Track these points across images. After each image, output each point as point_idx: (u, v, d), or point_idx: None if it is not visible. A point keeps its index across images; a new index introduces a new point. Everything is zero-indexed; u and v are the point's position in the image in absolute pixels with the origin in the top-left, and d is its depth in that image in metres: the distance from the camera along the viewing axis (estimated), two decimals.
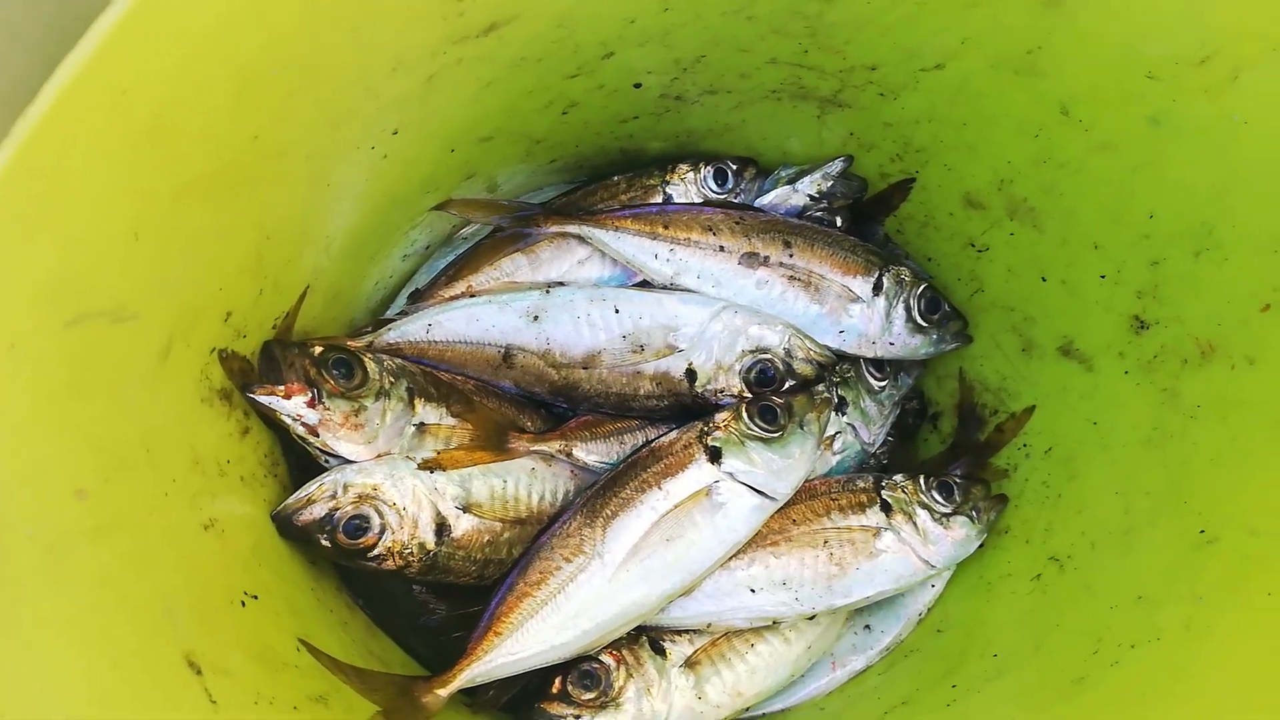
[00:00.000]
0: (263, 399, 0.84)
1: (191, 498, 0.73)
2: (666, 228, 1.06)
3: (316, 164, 0.78)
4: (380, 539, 0.87)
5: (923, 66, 0.95)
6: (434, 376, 0.99)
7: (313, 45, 0.64)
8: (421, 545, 0.90)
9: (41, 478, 0.57)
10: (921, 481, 1.06)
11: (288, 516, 0.86)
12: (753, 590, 1.01)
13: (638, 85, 0.97)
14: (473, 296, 1.05)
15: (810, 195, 1.13)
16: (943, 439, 1.23)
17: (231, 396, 0.82)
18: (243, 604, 0.74)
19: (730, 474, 0.98)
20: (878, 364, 1.16)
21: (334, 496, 0.86)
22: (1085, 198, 0.97)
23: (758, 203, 1.13)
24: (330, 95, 0.70)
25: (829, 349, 1.10)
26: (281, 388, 0.84)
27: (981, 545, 1.07)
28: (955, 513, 1.05)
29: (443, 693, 0.84)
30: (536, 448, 0.99)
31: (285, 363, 0.85)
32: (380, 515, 0.87)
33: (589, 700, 0.94)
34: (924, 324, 1.12)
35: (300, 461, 0.93)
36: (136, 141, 0.58)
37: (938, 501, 1.05)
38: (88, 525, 0.60)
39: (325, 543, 0.86)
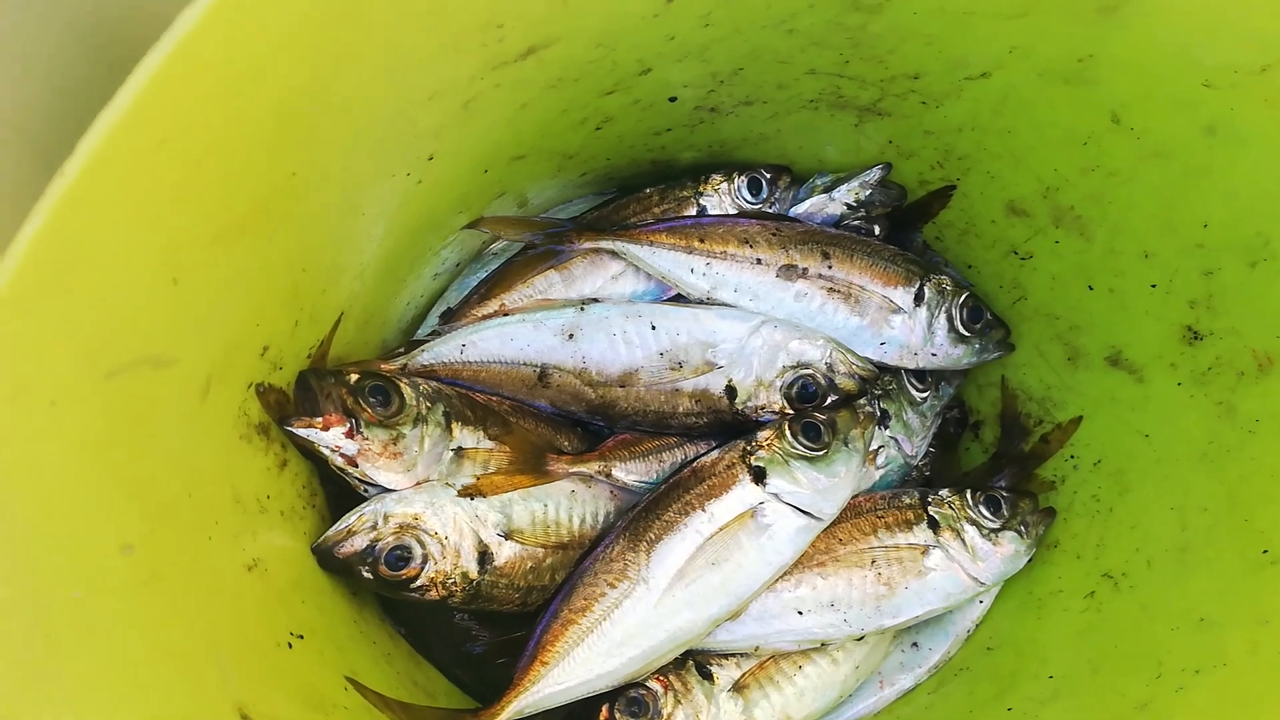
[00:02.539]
0: (301, 432, 0.82)
1: (234, 539, 0.71)
2: (702, 241, 1.04)
3: (351, 194, 0.76)
4: (423, 569, 0.86)
5: (968, 75, 0.92)
6: (470, 398, 0.97)
7: (350, 81, 0.62)
8: (465, 574, 0.89)
9: (88, 536, 0.56)
10: (969, 497, 1.04)
11: (329, 549, 0.85)
12: (800, 612, 0.99)
13: (673, 99, 0.95)
14: (506, 315, 1.03)
15: (847, 204, 1.11)
16: (985, 448, 1.21)
17: (269, 430, 0.80)
18: (289, 645, 0.73)
19: (775, 495, 0.96)
20: (919, 374, 1.13)
21: (375, 527, 0.85)
22: (1136, 206, 0.95)
23: (793, 212, 1.11)
24: (367, 127, 0.68)
25: (870, 362, 1.08)
26: (319, 419, 0.82)
27: (1030, 560, 1.05)
28: (1004, 528, 1.03)
29: None
30: (576, 469, 0.98)
31: (322, 393, 0.84)
32: (422, 545, 0.86)
33: None
34: (966, 333, 1.10)
35: (338, 490, 0.91)
36: (174, 189, 0.56)
37: (985, 517, 1.03)
38: (134, 580, 0.58)
39: (367, 574, 0.85)
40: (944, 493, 1.05)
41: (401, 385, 0.90)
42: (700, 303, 1.05)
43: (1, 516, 0.50)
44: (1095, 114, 0.90)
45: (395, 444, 0.87)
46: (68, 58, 0.66)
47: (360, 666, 0.80)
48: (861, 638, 1.01)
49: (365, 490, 0.89)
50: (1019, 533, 1.03)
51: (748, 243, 1.05)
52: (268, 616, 0.73)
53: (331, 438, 0.83)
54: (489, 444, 0.95)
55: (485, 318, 1.04)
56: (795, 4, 0.82)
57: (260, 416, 0.79)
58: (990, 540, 1.02)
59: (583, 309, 1.03)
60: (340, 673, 0.77)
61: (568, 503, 0.96)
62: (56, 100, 0.60)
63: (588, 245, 1.04)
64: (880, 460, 1.11)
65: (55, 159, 0.50)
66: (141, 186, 0.53)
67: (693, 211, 1.09)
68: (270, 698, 0.66)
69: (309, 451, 0.86)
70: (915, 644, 1.09)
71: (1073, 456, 1.09)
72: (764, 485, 0.96)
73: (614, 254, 1.05)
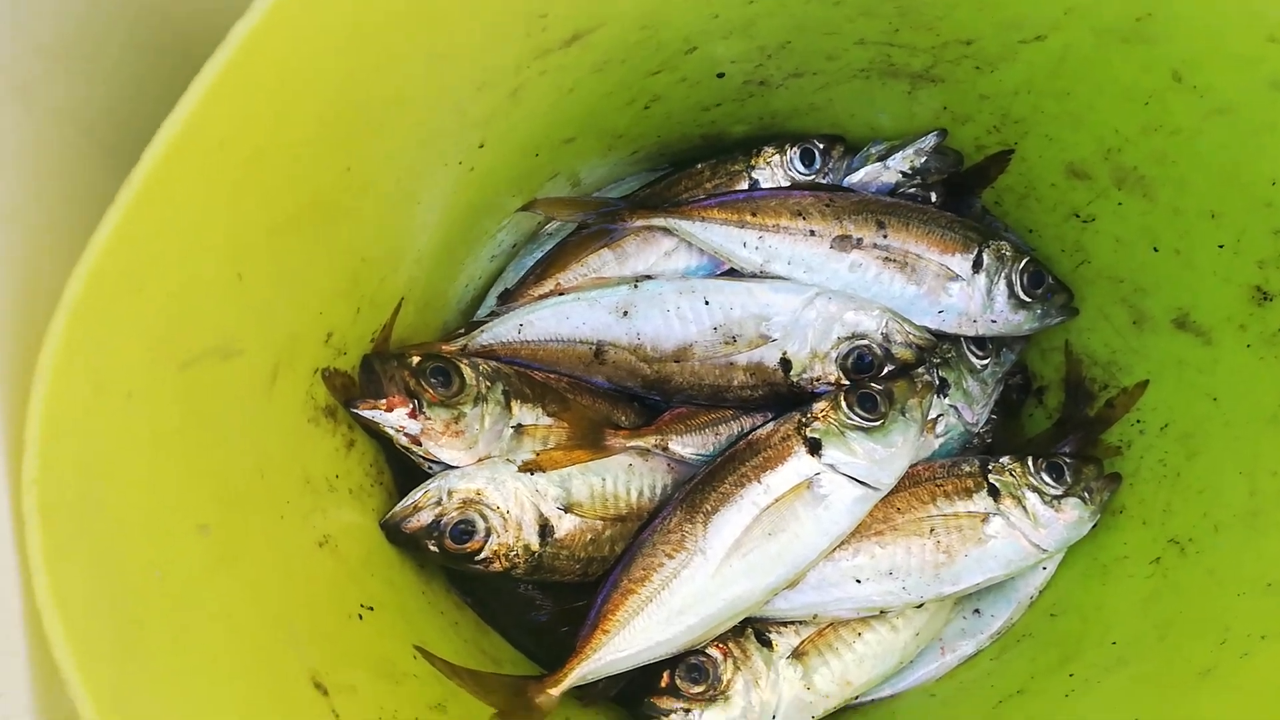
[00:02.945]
0: (366, 414, 0.85)
1: (305, 517, 0.75)
2: (754, 215, 1.04)
3: (406, 185, 0.79)
4: (486, 543, 0.89)
5: (1022, 38, 0.90)
6: (528, 376, 1.00)
7: (399, 76, 0.64)
8: (526, 547, 0.92)
9: (166, 519, 0.60)
10: (1030, 463, 1.03)
11: (396, 524, 0.88)
12: (858, 580, 1.00)
13: (720, 75, 0.95)
14: (561, 294, 1.05)
15: (902, 171, 1.09)
16: (1049, 414, 1.19)
17: (336, 413, 0.84)
18: (360, 616, 0.77)
19: (831, 465, 0.96)
20: (979, 341, 1.12)
21: (439, 503, 0.88)
22: (1200, 165, 0.92)
23: (847, 182, 1.10)
24: (418, 120, 0.71)
25: (928, 330, 1.07)
26: (383, 401, 0.86)
27: (1095, 526, 1.04)
28: (1066, 494, 1.02)
29: (555, 692, 0.86)
30: (632, 443, 1.00)
31: (385, 375, 0.87)
32: (485, 520, 0.89)
33: (698, 694, 0.95)
34: (1027, 299, 1.08)
35: (404, 468, 0.95)
36: (234, 188, 0.59)
37: (1047, 483, 1.02)
38: (211, 559, 0.62)
39: (433, 548, 0.89)
40: (1005, 460, 1.04)
41: (462, 366, 0.93)
42: (754, 276, 1.06)
43: (86, 503, 0.54)
44: (1155, 73, 0.87)
45: (457, 423, 0.90)
46: (132, 58, 0.69)
47: (429, 636, 0.84)
48: (921, 605, 1.01)
49: (429, 468, 0.92)
50: (1082, 499, 1.02)
51: (800, 215, 1.05)
52: (338, 590, 0.77)
53: (396, 418, 0.87)
54: (548, 420, 0.97)
55: (541, 297, 1.06)
56: None
57: (327, 400, 0.82)
58: (1053, 507, 1.01)
59: (636, 286, 1.04)
60: (409, 642, 0.81)
61: (625, 476, 0.98)
62: (122, 99, 0.63)
63: (640, 223, 1.05)
64: (940, 429, 1.11)
65: (120, 156, 0.53)
66: (204, 187, 0.56)
67: (745, 185, 1.09)
68: (343, 667, 0.70)
69: (375, 431, 0.89)
70: (977, 610, 1.09)
71: (1139, 421, 1.07)
72: (819, 456, 0.96)
73: (666, 230, 1.06)
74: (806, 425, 0.98)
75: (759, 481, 0.96)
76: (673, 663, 0.96)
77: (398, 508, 0.89)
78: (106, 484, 0.55)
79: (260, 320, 0.69)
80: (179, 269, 0.58)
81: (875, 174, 1.10)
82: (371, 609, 0.78)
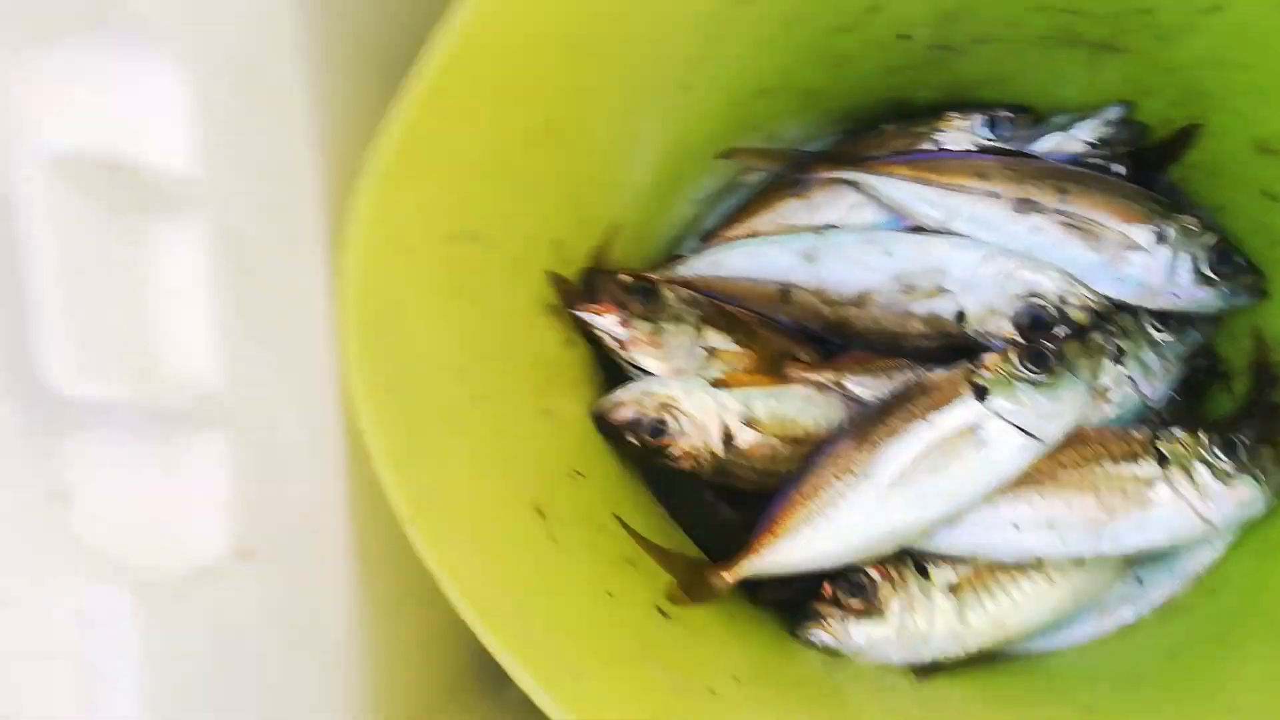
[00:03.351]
0: (583, 315, 0.99)
1: (535, 387, 0.89)
2: (937, 173, 1.11)
3: (622, 118, 0.91)
4: (678, 440, 1.00)
5: (1199, 8, 0.92)
6: (720, 308, 1.11)
7: (617, 18, 0.76)
8: (711, 451, 1.02)
9: (438, 355, 0.74)
10: (1203, 435, 1.03)
11: (602, 414, 1.01)
12: (1017, 527, 1.03)
13: (905, 36, 1.02)
14: (754, 236, 1.15)
15: (1087, 142, 1.13)
16: (1235, 401, 1.17)
17: (560, 312, 0.98)
18: (572, 477, 0.90)
19: (997, 413, 1.01)
20: (1161, 316, 1.13)
21: (639, 402, 1.00)
22: None
23: (1031, 150, 1.15)
24: (632, 57, 0.83)
25: (1107, 297, 1.10)
26: (598, 306, 0.99)
27: (1268, 510, 1.02)
28: (1239, 471, 1.01)
29: (728, 576, 0.96)
30: (811, 376, 1.08)
31: (600, 287, 1.01)
32: (677, 422, 1.00)
33: (856, 607, 1.02)
34: (1213, 276, 1.08)
35: (613, 373, 1.07)
36: (490, 100, 0.72)
37: (1219, 458, 1.01)
38: (467, 395, 0.76)
39: (632, 440, 1.00)
40: (1177, 430, 1.05)
41: (664, 289, 1.05)
42: (935, 233, 1.12)
43: (389, 331, 0.68)
44: None
45: (657, 335, 1.02)
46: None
47: (626, 511, 0.96)
48: (1080, 562, 1.04)
49: (633, 373, 1.04)
50: (1256, 478, 1.01)
51: (982, 176, 1.10)
52: (557, 451, 0.90)
53: (606, 323, 1.00)
54: (735, 347, 1.08)
55: (735, 238, 1.16)
56: None
57: (553, 299, 0.96)
58: (1223, 481, 1.01)
59: (822, 234, 1.13)
60: (610, 510, 0.93)
61: (802, 404, 1.07)
62: (395, 30, 0.79)
63: (827, 175, 1.14)
64: (1114, 397, 1.11)
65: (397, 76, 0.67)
66: (468, 96, 0.69)
67: (929, 146, 1.16)
68: (558, 508, 0.83)
69: (590, 335, 1.02)
70: (1139, 579, 1.10)
71: None
72: (986, 403, 1.01)
73: (852, 184, 1.14)
74: (975, 373, 1.03)
75: (925, 419, 1.01)
76: (835, 576, 1.03)
77: (604, 400, 1.01)
78: (397, 317, 0.70)
79: (503, 217, 0.83)
80: (446, 158, 0.72)
81: (1059, 143, 1.14)
82: (582, 475, 0.91)
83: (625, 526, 0.92)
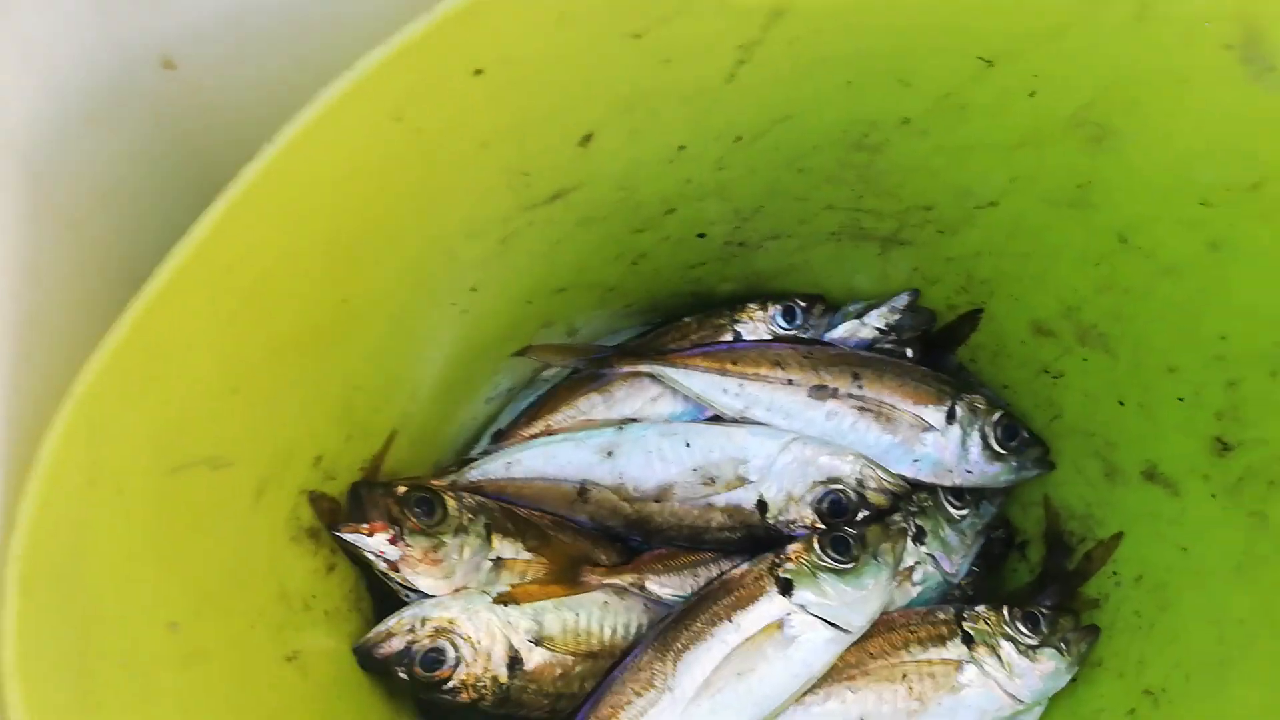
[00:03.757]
0: (348, 536, 0.89)
1: (276, 630, 0.78)
2: (735, 364, 1.10)
3: (401, 321, 0.86)
4: (455, 671, 0.91)
5: (976, 204, 0.98)
6: (512, 512, 1.04)
7: (393, 221, 0.71)
8: (495, 678, 0.93)
9: (137, 610, 0.64)
10: (1005, 612, 1.04)
11: (369, 649, 0.91)
12: None
13: (701, 235, 1.03)
14: (550, 435, 1.10)
15: (879, 328, 1.16)
16: (1031, 569, 1.20)
17: (319, 535, 0.88)
18: None
19: (802, 606, 0.98)
20: (957, 492, 1.15)
21: (412, 630, 0.91)
22: (1155, 322, 0.97)
23: (826, 338, 1.16)
24: (411, 261, 0.78)
25: (903, 478, 1.10)
26: (366, 525, 0.90)
27: (1073, 680, 1.03)
28: (1042, 645, 1.02)
29: None
30: (609, 580, 1.02)
31: (370, 502, 0.92)
32: (456, 648, 0.91)
33: None
34: (1002, 451, 1.12)
35: (383, 596, 0.98)
36: (237, 309, 0.66)
37: (1023, 633, 1.02)
38: (177, 655, 0.65)
39: (403, 675, 0.90)
40: (980, 608, 1.05)
41: (446, 497, 0.97)
42: (734, 422, 1.11)
43: (68, 587, 0.58)
44: (1103, 236, 0.94)
45: (436, 551, 0.93)
46: (168, 197, 0.79)
47: None
48: None
49: (407, 596, 0.95)
50: (1059, 650, 1.02)
51: (779, 365, 1.11)
52: (303, 705, 0.78)
53: (376, 543, 0.90)
54: (527, 555, 1.00)
55: (531, 437, 1.11)
56: (801, 146, 0.90)
57: (311, 521, 0.87)
58: (1028, 657, 1.01)
59: (621, 428, 1.10)
60: None
61: (600, 613, 1.00)
62: (156, 232, 0.71)
63: (627, 369, 1.11)
64: (917, 576, 1.12)
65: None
66: (209, 305, 0.63)
67: (728, 338, 1.16)
68: None
69: (356, 557, 0.93)
70: None
71: (1115, 573, 1.08)
72: (790, 596, 0.98)
73: (653, 377, 1.12)
74: (779, 566, 1.00)
75: (730, 620, 0.98)
76: None
77: (372, 633, 0.91)
78: (86, 569, 0.60)
79: (251, 436, 0.75)
80: (180, 378, 0.64)
81: (853, 330, 1.17)
82: None
83: None
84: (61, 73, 0.73)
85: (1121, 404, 1.05)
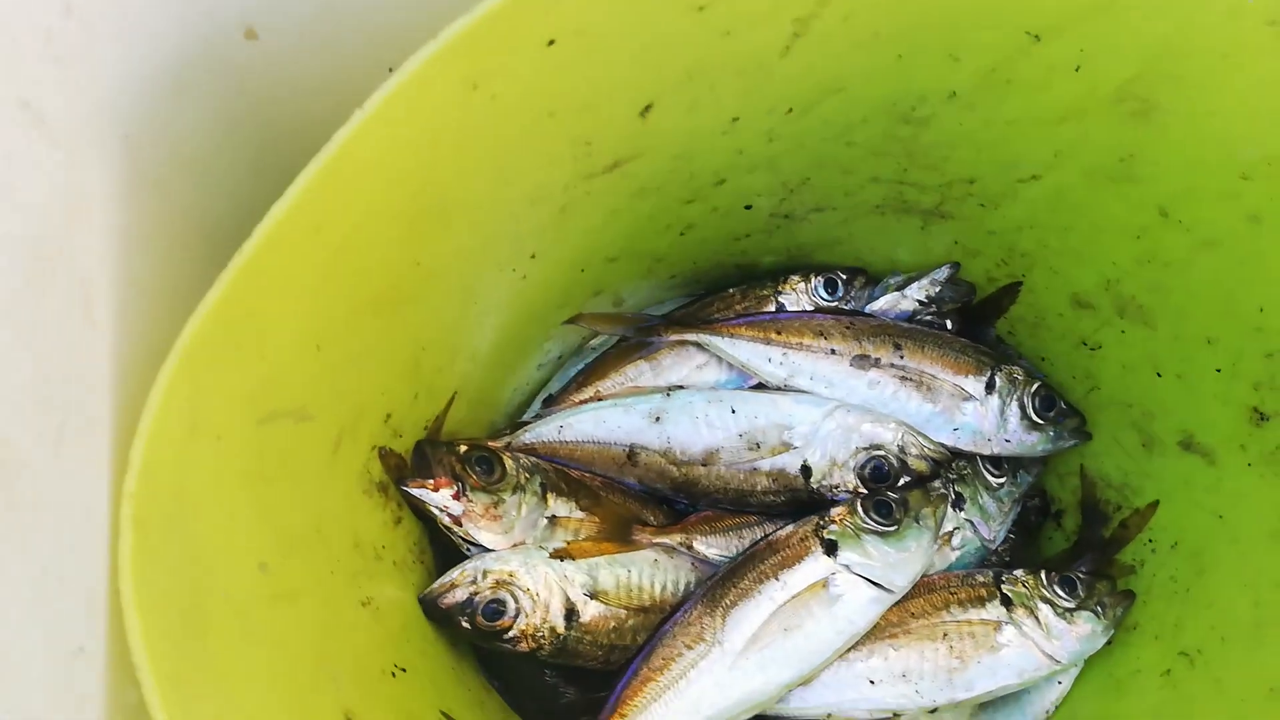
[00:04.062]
0: (414, 491, 0.94)
1: (352, 577, 0.82)
2: (779, 333, 1.14)
3: (467, 284, 0.90)
4: (515, 622, 0.95)
5: (1019, 178, 1.00)
6: (565, 473, 1.08)
7: (465, 186, 0.75)
8: (552, 629, 0.97)
9: (234, 550, 0.68)
10: (1043, 576, 1.06)
11: (433, 600, 0.95)
12: (872, 682, 1.03)
13: (749, 206, 1.06)
14: (600, 400, 1.14)
15: (919, 300, 1.18)
16: (1067, 537, 1.23)
17: (388, 489, 0.93)
18: (393, 674, 0.83)
19: (846, 566, 1.01)
20: (995, 461, 1.17)
21: (474, 582, 0.95)
22: (1193, 294, 0.99)
23: (867, 309, 1.19)
24: (479, 226, 0.82)
25: (944, 446, 1.13)
26: (431, 481, 0.94)
27: (1109, 643, 1.06)
28: (1079, 608, 1.05)
29: None
30: (659, 540, 1.06)
31: (435, 459, 0.96)
32: (515, 600, 0.95)
33: None
34: (1040, 421, 1.14)
35: (444, 550, 1.02)
36: (323, 271, 0.70)
37: (1060, 596, 1.05)
38: (268, 594, 0.70)
39: (465, 624, 0.95)
40: (1018, 572, 1.08)
41: (504, 457, 1.01)
42: (778, 390, 1.14)
43: (171, 523, 0.62)
44: (1144, 209, 0.96)
45: (496, 508, 0.98)
46: (250, 169, 0.83)
47: (456, 707, 0.89)
48: (935, 711, 1.04)
49: (468, 549, 0.99)
50: (1095, 613, 1.05)
51: (822, 335, 1.14)
52: (376, 647, 0.83)
53: (440, 498, 0.95)
54: (580, 514, 1.04)
55: (581, 403, 1.15)
56: (850, 119, 0.92)
57: (381, 475, 0.91)
58: (1065, 619, 1.04)
59: (669, 395, 1.13)
60: (437, 707, 0.86)
61: (650, 570, 1.04)
62: (237, 202, 0.76)
63: (674, 337, 1.15)
64: (956, 541, 1.15)
65: (232, 248, 0.64)
66: (298, 266, 0.67)
67: (772, 308, 1.19)
68: (374, 711, 0.76)
69: (421, 512, 0.97)
70: None
71: (1150, 540, 1.11)
72: (835, 557, 1.02)
73: (699, 346, 1.15)
74: (824, 528, 1.04)
75: (776, 579, 1.01)
76: None
77: (436, 584, 0.96)
78: (190, 510, 0.64)
79: (331, 391, 0.79)
80: (270, 334, 0.68)
81: (894, 302, 1.19)
82: (405, 670, 0.84)
83: None
84: (152, 43, 0.77)
85: (1159, 375, 1.07)
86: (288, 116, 0.84)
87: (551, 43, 0.67)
